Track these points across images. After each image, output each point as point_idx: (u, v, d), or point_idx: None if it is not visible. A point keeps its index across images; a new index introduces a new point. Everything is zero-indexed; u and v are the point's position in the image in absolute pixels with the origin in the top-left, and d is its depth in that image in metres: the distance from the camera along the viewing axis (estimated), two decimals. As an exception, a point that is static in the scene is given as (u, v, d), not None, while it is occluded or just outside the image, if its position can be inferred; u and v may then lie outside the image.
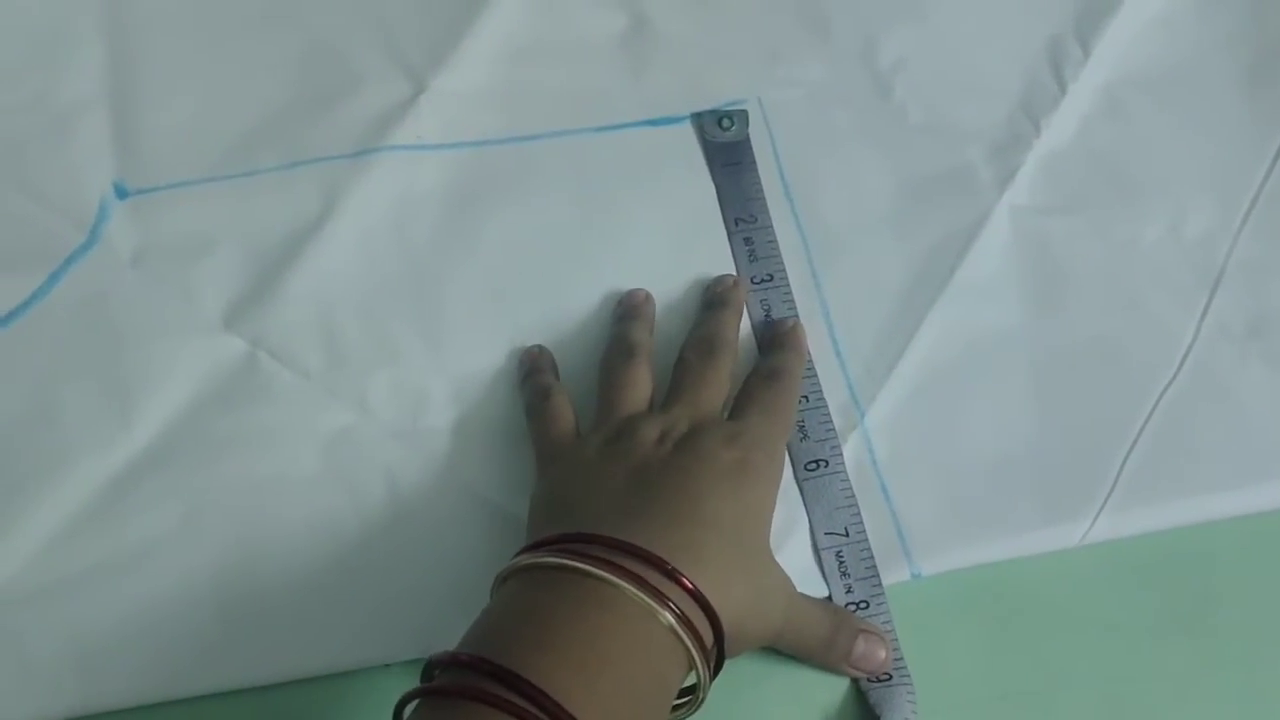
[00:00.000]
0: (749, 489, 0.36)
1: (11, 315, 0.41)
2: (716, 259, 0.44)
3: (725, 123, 0.45)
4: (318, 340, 0.41)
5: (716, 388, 0.40)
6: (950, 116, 0.47)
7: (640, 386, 0.39)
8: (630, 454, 0.36)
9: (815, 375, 0.42)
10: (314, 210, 0.43)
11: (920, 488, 0.41)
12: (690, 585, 0.32)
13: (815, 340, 0.43)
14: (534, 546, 0.34)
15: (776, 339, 0.42)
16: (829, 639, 0.38)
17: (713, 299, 0.43)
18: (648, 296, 0.43)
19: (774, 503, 0.37)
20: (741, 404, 0.40)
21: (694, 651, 0.32)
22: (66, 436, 0.39)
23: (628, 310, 0.42)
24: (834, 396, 0.42)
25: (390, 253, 0.43)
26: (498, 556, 0.37)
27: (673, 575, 0.32)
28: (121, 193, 0.43)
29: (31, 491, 0.39)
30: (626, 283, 0.43)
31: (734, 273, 0.44)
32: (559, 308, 0.43)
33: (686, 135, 0.46)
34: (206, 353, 0.41)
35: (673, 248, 0.44)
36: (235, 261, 0.42)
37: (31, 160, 0.43)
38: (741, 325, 0.42)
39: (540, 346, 0.42)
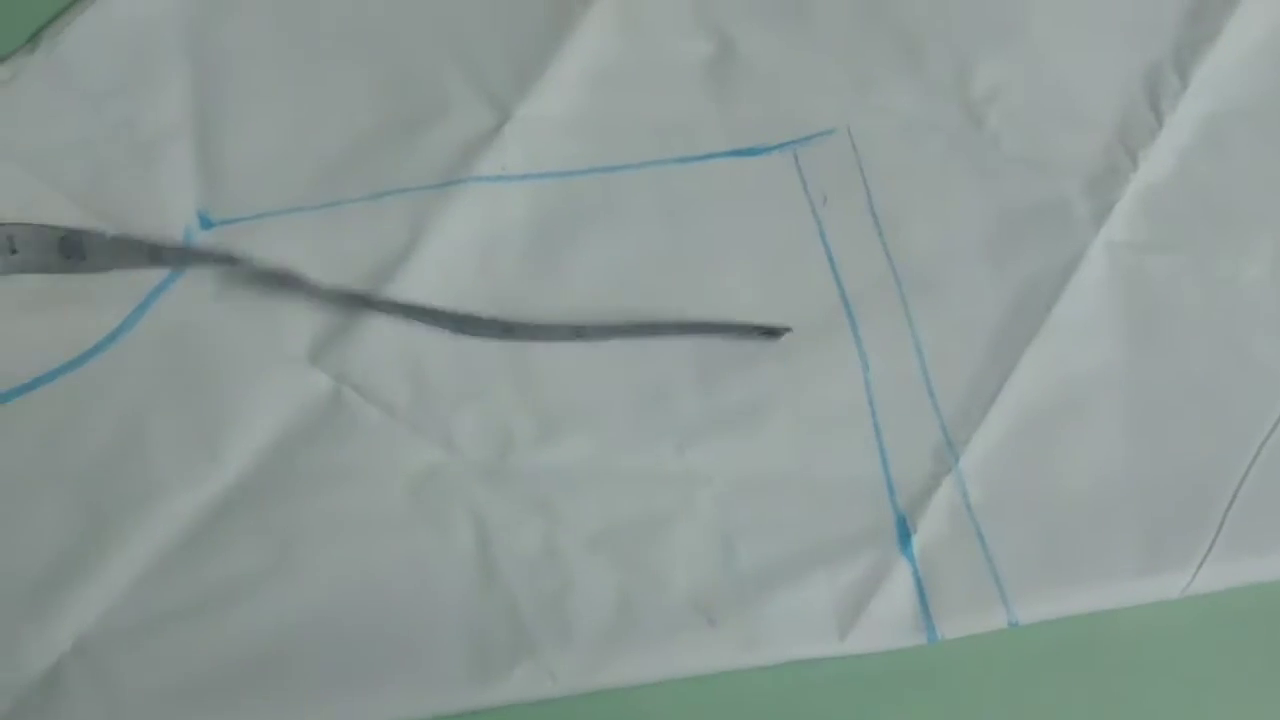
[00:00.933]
0: None
1: (99, 348, 0.41)
2: (815, 294, 0.43)
3: None
4: (403, 376, 0.41)
5: None
6: (1044, 148, 0.46)
7: None
8: None
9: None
10: (399, 242, 0.43)
11: (1017, 533, 0.41)
12: None
13: (909, 380, 0.43)
14: None
15: None
16: None
17: None
18: None
19: None
20: None
21: None
22: (156, 471, 0.39)
23: None
24: (928, 439, 0.42)
25: (475, 286, 0.43)
26: (585, 598, 0.37)
27: None
28: (206, 223, 0.43)
29: (122, 527, 0.39)
30: (716, 312, 0.43)
31: (836, 308, 0.43)
32: (647, 340, 0.43)
33: (778, 165, 0.45)
34: (292, 388, 0.41)
35: (767, 283, 0.43)
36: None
37: (116, 190, 0.43)
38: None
39: None
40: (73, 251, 0.41)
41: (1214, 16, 0.47)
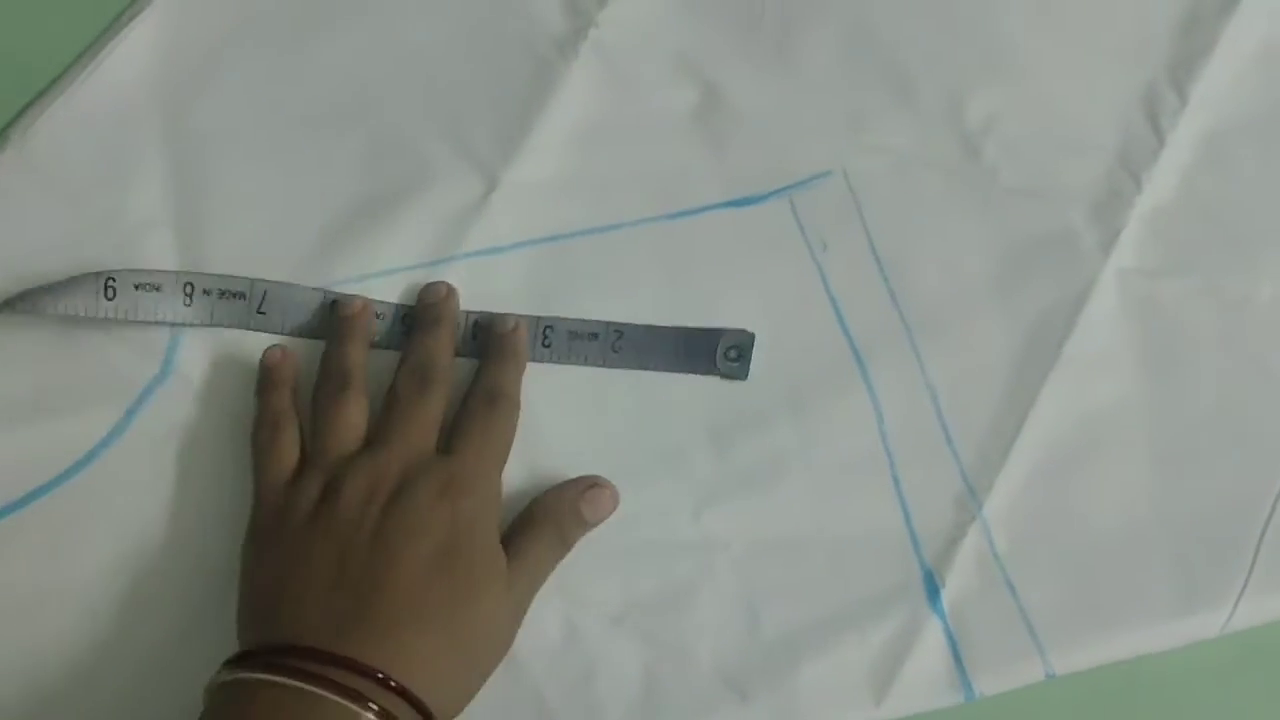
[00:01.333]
0: (459, 562, 0.36)
1: (92, 454, 0.40)
2: (823, 344, 0.43)
3: (732, 353, 0.42)
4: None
5: (428, 424, 0.38)
6: (1045, 176, 0.45)
7: (352, 422, 0.38)
8: (338, 521, 0.36)
9: None
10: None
11: (1047, 580, 0.40)
12: (398, 686, 0.33)
13: (925, 427, 0.42)
14: (241, 658, 0.34)
15: (495, 346, 0.41)
16: (562, 549, 0.39)
17: (424, 316, 0.41)
18: (364, 306, 0.41)
19: (492, 547, 0.37)
20: (460, 428, 0.39)
21: None
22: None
23: (343, 329, 0.40)
24: (948, 487, 0.41)
25: (473, 361, 0.42)
26: (611, 679, 0.38)
27: (383, 682, 0.33)
28: (194, 314, 0.42)
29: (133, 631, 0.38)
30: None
31: (845, 358, 0.42)
32: (652, 401, 0.42)
33: (774, 212, 0.44)
34: (293, 482, 0.40)
35: (772, 335, 0.42)
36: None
37: (99, 287, 0.42)
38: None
39: (282, 349, 0.40)
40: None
41: (1208, 30, 0.46)
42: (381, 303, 0.41)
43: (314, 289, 0.41)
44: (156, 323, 0.40)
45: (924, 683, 0.39)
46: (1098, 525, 0.41)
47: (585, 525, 0.39)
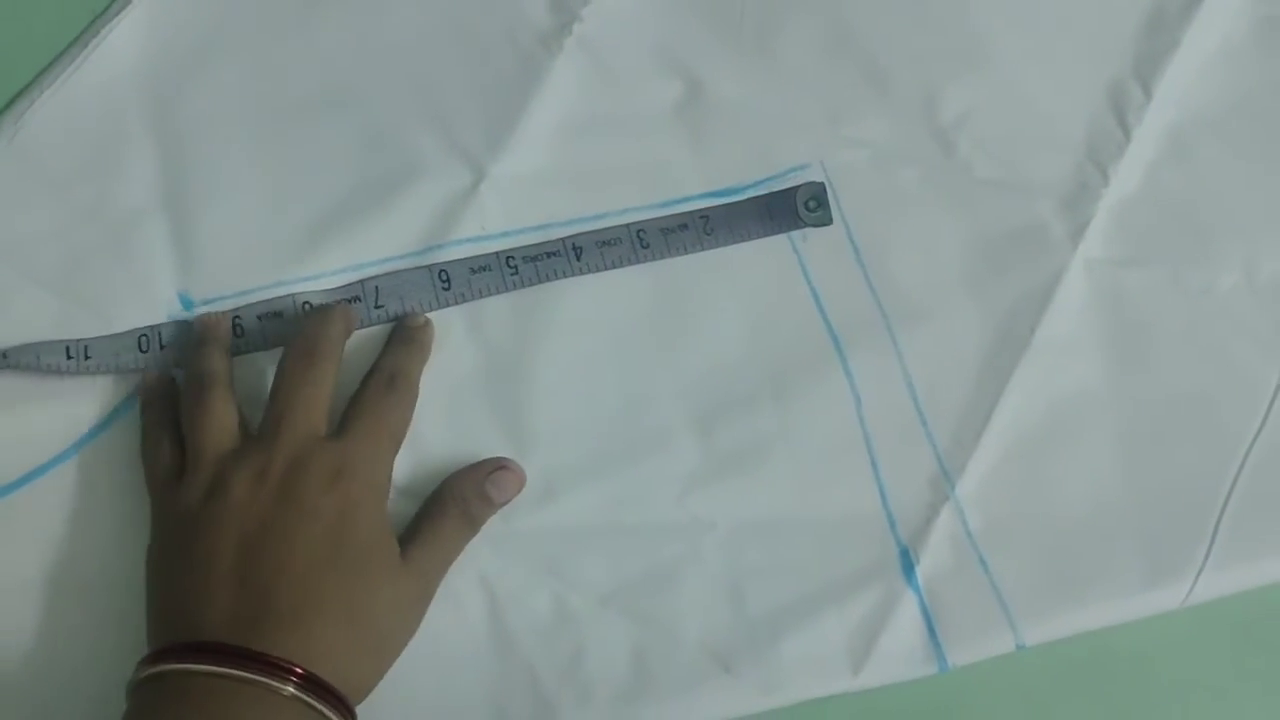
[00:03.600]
0: (346, 550, 0.37)
1: (91, 434, 0.41)
2: (803, 332, 0.45)
3: (811, 204, 0.46)
4: (401, 448, 0.42)
5: (315, 404, 0.39)
6: (1016, 169, 0.48)
7: (220, 422, 0.39)
8: (229, 514, 0.37)
9: None
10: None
11: (1018, 557, 0.43)
12: (306, 673, 0.35)
13: (901, 411, 0.44)
14: (155, 656, 0.35)
15: (402, 334, 0.42)
16: (470, 530, 0.41)
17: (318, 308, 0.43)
18: (219, 319, 0.42)
19: (381, 530, 0.38)
20: (354, 409, 0.40)
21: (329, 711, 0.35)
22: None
23: (200, 338, 0.41)
24: (923, 469, 0.43)
25: (464, 349, 0.44)
26: (601, 657, 0.40)
27: (291, 671, 0.34)
28: (187, 303, 0.43)
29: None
30: (708, 359, 0.44)
31: (825, 346, 0.45)
32: (641, 392, 0.44)
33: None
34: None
35: (755, 324, 0.45)
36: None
37: (93, 275, 0.43)
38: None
39: (158, 374, 0.42)
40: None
41: (1172, 28, 0.49)
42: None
43: (420, 268, 0.44)
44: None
45: (900, 654, 0.41)
46: (1066, 504, 0.43)
47: (492, 505, 0.41)
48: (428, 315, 0.43)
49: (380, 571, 0.38)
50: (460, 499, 0.40)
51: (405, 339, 0.42)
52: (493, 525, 0.41)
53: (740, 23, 0.49)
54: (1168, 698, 0.42)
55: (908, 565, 0.42)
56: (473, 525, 0.41)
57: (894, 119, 0.48)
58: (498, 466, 0.41)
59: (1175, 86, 0.49)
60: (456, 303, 0.44)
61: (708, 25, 0.49)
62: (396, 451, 0.40)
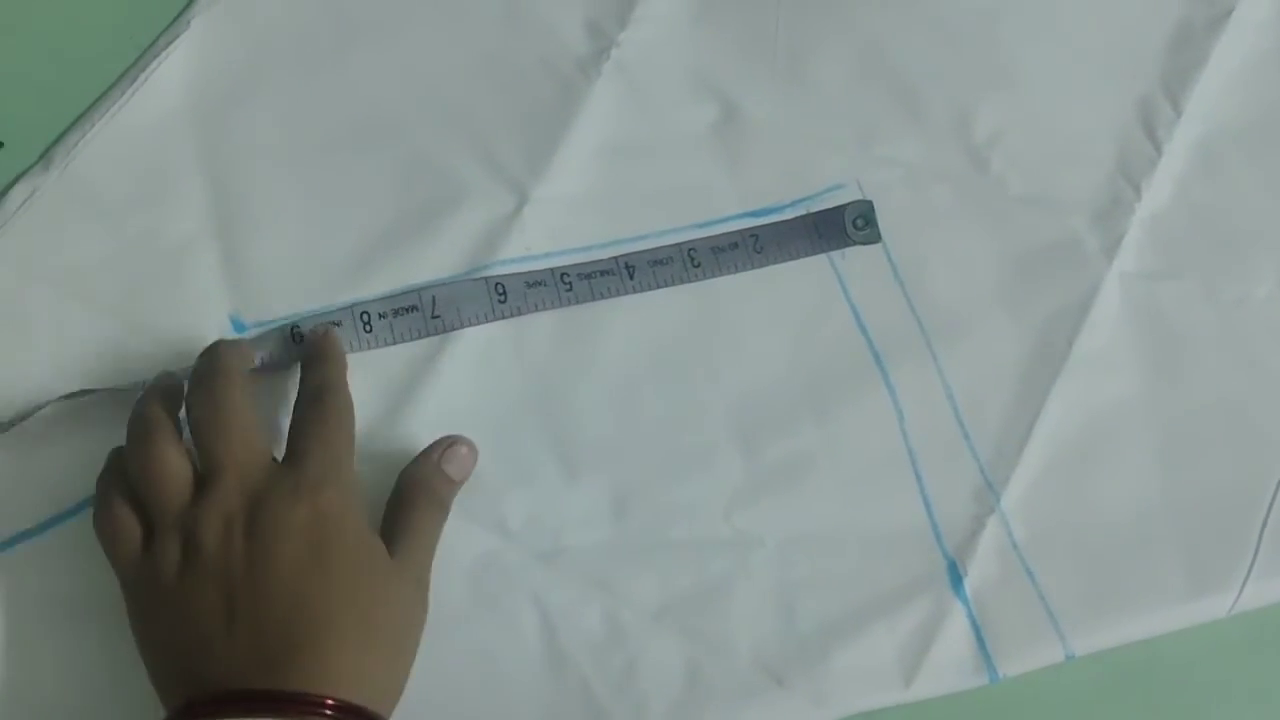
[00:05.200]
0: (334, 556, 0.37)
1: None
2: (844, 349, 0.46)
3: (859, 222, 0.47)
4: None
5: (246, 430, 0.38)
6: (1050, 186, 0.49)
7: (170, 470, 0.37)
8: (208, 568, 0.36)
9: None
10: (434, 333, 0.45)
11: (1064, 567, 0.43)
12: (336, 702, 0.34)
13: (944, 426, 0.45)
14: (183, 712, 0.34)
15: (311, 353, 0.42)
16: (441, 512, 0.40)
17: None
18: (162, 384, 0.40)
19: (363, 532, 0.38)
20: (295, 435, 0.39)
21: None
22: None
23: (147, 392, 0.40)
24: (967, 482, 0.44)
25: (511, 370, 0.45)
26: (654, 671, 0.40)
27: (321, 704, 0.34)
28: (239, 327, 0.44)
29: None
30: (751, 377, 0.45)
31: (866, 362, 0.45)
32: (686, 409, 0.45)
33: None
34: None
35: (797, 341, 0.46)
36: (360, 391, 0.43)
37: (146, 301, 0.44)
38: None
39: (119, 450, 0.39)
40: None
41: (1200, 44, 0.50)
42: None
43: (478, 279, 0.45)
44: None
45: (950, 666, 0.42)
46: (1109, 515, 0.44)
47: (454, 484, 0.41)
48: (331, 325, 0.43)
49: (376, 571, 0.37)
50: (423, 485, 0.41)
51: (315, 356, 0.42)
52: (543, 543, 0.42)
53: (774, 46, 0.50)
54: (1213, 703, 0.42)
55: (955, 577, 0.43)
56: (442, 508, 0.41)
57: (927, 138, 0.49)
58: (449, 444, 0.41)
59: (1204, 101, 0.50)
60: (512, 315, 0.44)
61: (742, 49, 0.50)
62: (352, 457, 0.39)
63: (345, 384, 0.41)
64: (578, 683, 0.41)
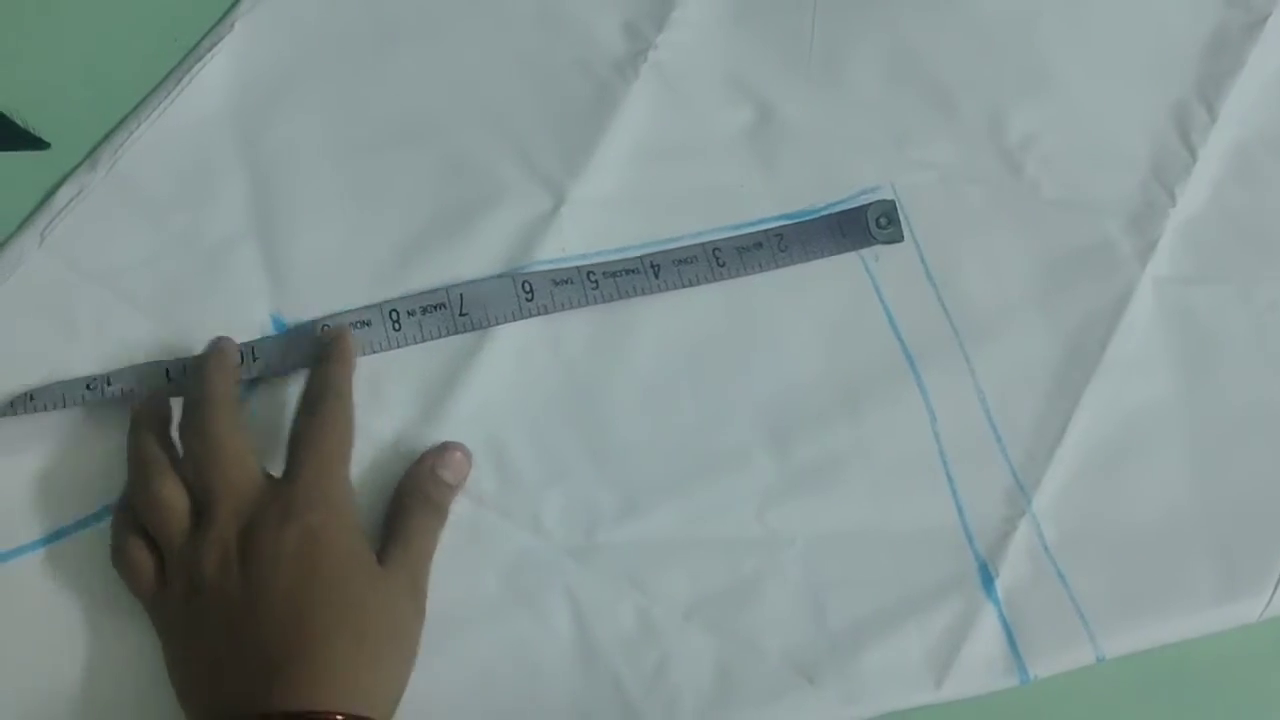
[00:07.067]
0: (322, 575, 0.37)
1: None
2: (877, 351, 0.46)
3: (882, 221, 0.47)
4: (488, 463, 0.43)
5: (236, 455, 0.39)
6: (1084, 189, 0.49)
7: (168, 505, 0.39)
8: (210, 601, 0.37)
9: None
10: (470, 335, 0.45)
11: (1095, 570, 0.43)
12: (342, 717, 0.35)
13: (975, 427, 0.45)
14: None
15: (321, 352, 0.42)
16: (438, 518, 0.41)
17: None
18: (150, 410, 0.41)
19: (349, 546, 0.39)
20: (293, 445, 0.40)
21: None
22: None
23: (132, 422, 0.41)
24: (998, 484, 0.44)
25: (548, 369, 0.45)
26: (685, 669, 0.41)
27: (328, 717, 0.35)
28: (279, 325, 0.45)
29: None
30: (783, 377, 0.45)
31: (899, 363, 0.46)
32: (718, 409, 0.45)
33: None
34: (380, 482, 0.43)
35: (830, 344, 0.46)
36: (398, 388, 0.44)
37: (189, 300, 0.45)
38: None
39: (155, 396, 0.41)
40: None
41: (1235, 50, 0.50)
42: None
43: (505, 277, 0.45)
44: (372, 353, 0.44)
45: (981, 666, 0.42)
46: (1141, 517, 0.44)
47: (450, 488, 0.42)
48: (347, 324, 0.44)
49: (360, 581, 0.38)
50: (420, 491, 0.41)
51: (325, 356, 0.42)
52: (576, 539, 0.43)
53: (809, 49, 0.50)
54: (1244, 708, 0.42)
55: (987, 578, 0.43)
56: (439, 513, 0.41)
57: (961, 141, 0.49)
58: (443, 450, 0.42)
59: (1239, 106, 0.50)
60: (539, 314, 0.45)
61: (777, 52, 0.50)
62: (347, 464, 0.40)
63: (348, 387, 0.41)
64: (609, 679, 0.41)
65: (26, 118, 0.47)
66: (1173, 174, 0.49)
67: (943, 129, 0.50)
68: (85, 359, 0.43)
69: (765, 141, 0.49)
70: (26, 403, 0.42)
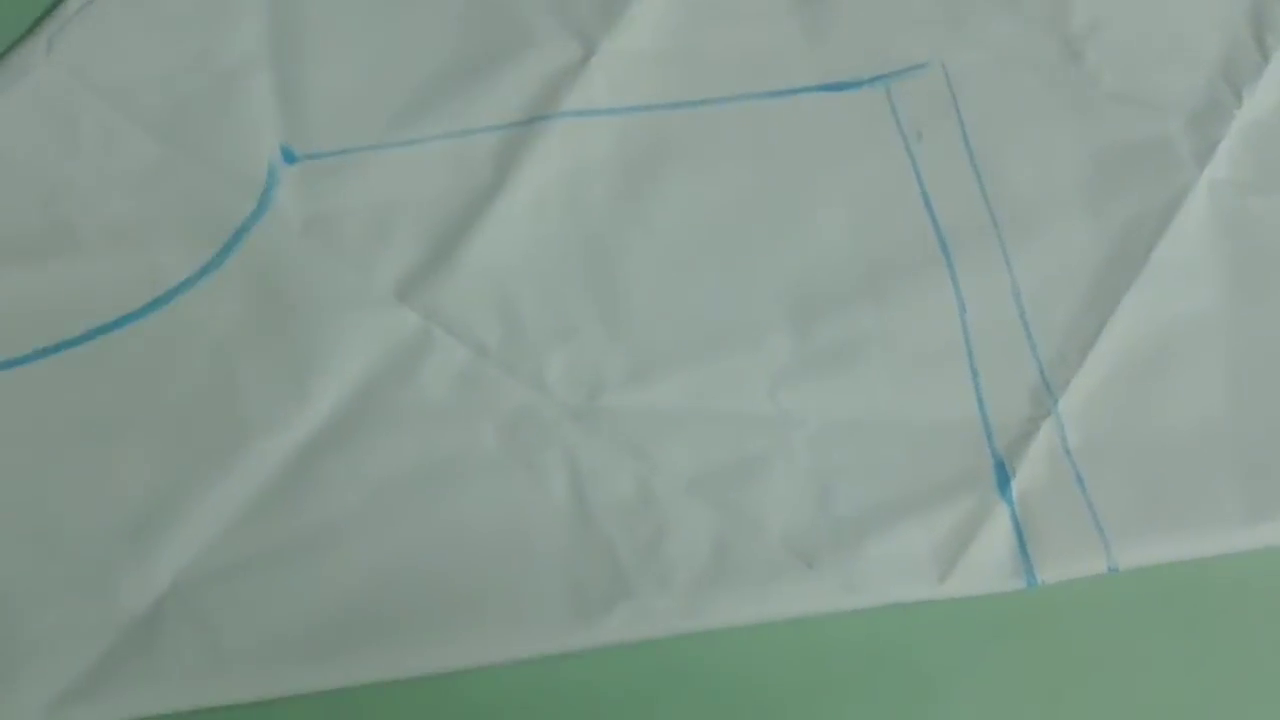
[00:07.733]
0: None
1: (186, 283, 0.41)
2: (910, 234, 0.44)
3: None
4: (493, 315, 0.42)
5: None
6: (1145, 84, 0.46)
7: None
8: None
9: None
10: (486, 180, 0.43)
11: (1117, 478, 0.41)
12: None
13: (1006, 322, 0.43)
14: None
15: None
16: None
17: None
18: None
19: None
20: None
21: None
22: (245, 412, 0.40)
23: None
24: (1024, 382, 0.42)
25: (564, 223, 0.43)
26: (681, 541, 0.39)
27: None
28: (289, 157, 0.43)
29: (214, 468, 0.39)
30: (811, 253, 0.43)
31: (932, 249, 0.43)
32: (740, 280, 0.43)
33: (870, 100, 0.45)
34: (380, 326, 0.41)
35: (860, 221, 0.44)
36: (407, 232, 0.42)
37: (197, 121, 0.43)
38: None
39: None
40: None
41: (1322, -51, 0.47)
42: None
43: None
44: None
45: (988, 566, 0.40)
46: (1171, 429, 0.42)
47: None
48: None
49: None
50: None
51: None
52: (579, 399, 0.41)
53: (868, -87, 0.47)
54: (1258, 630, 0.40)
55: (1003, 477, 0.41)
56: None
57: (1021, 22, 0.47)
58: None
59: (1321, 9, 0.47)
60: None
61: (833, -87, 0.47)
62: None
63: None
64: (603, 546, 0.40)
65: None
66: (1242, 74, 0.46)
67: (1003, 7, 0.47)
68: (88, 174, 0.42)
69: (814, 7, 0.46)
70: None
